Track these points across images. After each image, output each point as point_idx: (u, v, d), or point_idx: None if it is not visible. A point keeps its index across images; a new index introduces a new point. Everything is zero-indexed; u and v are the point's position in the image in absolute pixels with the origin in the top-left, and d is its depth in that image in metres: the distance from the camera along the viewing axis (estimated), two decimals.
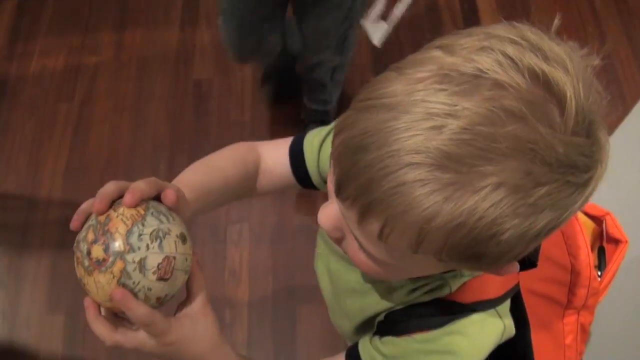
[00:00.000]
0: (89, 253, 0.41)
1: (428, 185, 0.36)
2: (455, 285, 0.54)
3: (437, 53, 0.40)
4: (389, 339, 0.57)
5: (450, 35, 0.41)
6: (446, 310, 0.54)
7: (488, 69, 0.37)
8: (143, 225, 0.42)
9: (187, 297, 0.50)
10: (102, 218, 0.42)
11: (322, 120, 1.70)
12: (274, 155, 0.71)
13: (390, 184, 0.37)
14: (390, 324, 0.58)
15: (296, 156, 0.69)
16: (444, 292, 0.54)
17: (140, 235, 0.41)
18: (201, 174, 0.63)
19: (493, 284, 0.56)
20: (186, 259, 0.45)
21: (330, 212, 0.47)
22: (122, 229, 0.41)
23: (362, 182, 0.39)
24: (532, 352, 0.65)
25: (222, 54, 1.58)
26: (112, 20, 2.04)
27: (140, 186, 0.46)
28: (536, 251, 0.57)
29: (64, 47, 1.98)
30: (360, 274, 0.60)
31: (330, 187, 0.45)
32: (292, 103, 1.78)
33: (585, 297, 0.70)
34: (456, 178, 0.36)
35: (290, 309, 1.58)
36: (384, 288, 0.58)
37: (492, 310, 0.55)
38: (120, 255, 0.41)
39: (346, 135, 0.40)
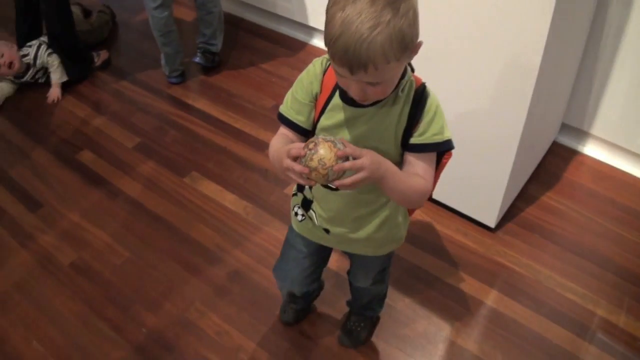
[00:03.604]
0: (315, 168, 0.86)
1: (368, 39, 0.77)
2: (411, 81, 0.97)
3: None
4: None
5: None
6: (420, 94, 0.97)
7: None
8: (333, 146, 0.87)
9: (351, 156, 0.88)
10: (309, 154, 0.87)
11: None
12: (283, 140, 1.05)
13: (362, 51, 0.78)
14: (410, 128, 0.97)
15: (289, 124, 1.04)
16: (413, 86, 0.96)
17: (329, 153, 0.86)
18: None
19: (418, 78, 0.99)
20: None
21: (355, 90, 0.87)
22: (327, 155, 0.86)
23: (355, 61, 0.79)
24: None
25: None
26: None
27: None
28: (410, 65, 0.98)
29: None
30: (364, 133, 0.98)
31: (344, 82, 0.88)
32: None
33: None
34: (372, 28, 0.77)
35: None
36: (385, 111, 0.96)
37: (427, 88, 0.99)
38: (329, 168, 0.86)
39: (335, 44, 0.79)
